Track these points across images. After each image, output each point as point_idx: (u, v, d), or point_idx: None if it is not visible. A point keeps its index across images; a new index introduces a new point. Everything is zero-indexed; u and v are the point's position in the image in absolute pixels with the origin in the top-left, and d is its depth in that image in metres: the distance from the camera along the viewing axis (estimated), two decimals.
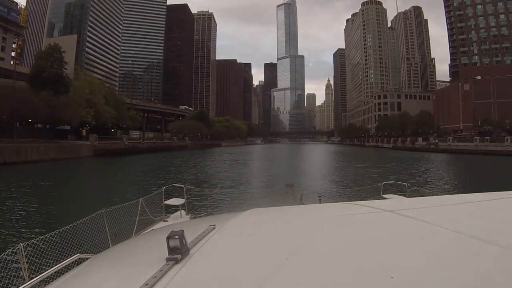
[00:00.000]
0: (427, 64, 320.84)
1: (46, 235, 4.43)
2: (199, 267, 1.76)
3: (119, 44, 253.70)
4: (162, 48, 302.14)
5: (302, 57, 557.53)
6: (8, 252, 3.56)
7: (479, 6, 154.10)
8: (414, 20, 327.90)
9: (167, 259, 1.76)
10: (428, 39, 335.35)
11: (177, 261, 1.75)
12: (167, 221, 6.79)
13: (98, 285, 1.99)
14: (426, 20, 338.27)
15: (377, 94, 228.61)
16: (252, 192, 24.11)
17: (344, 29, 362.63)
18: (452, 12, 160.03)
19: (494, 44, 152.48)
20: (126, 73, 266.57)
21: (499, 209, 2.56)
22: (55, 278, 2.60)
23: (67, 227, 4.84)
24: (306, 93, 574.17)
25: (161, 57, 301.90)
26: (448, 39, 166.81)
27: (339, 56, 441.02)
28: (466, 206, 2.75)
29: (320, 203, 7.28)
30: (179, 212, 7.48)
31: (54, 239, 4.59)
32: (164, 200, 7.64)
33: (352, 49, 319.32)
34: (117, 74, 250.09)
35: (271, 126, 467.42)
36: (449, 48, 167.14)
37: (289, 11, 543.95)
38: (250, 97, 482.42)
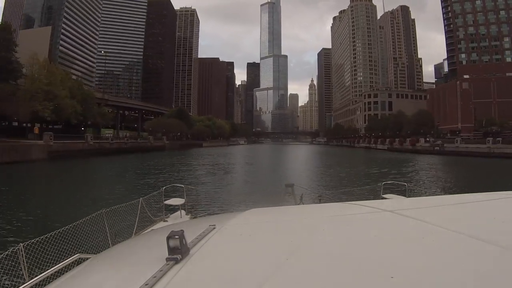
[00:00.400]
0: (414, 64, 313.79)
1: (46, 235, 4.35)
2: (199, 267, 1.75)
3: (97, 38, 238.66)
4: (142, 44, 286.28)
5: (286, 56, 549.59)
6: (8, 252, 3.54)
7: (477, 2, 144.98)
8: (402, 19, 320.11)
9: (167, 259, 1.75)
10: (415, 39, 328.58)
11: (177, 261, 1.74)
12: (167, 221, 6.72)
13: (98, 285, 1.98)
14: (414, 20, 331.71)
15: (366, 93, 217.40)
16: (252, 192, 23.97)
17: (331, 27, 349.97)
18: (449, 7, 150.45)
19: (494, 41, 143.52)
20: (104, 69, 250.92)
21: (499, 209, 2.56)
22: (55, 278, 2.61)
23: (67, 227, 4.82)
24: (288, 94, 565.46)
25: (141, 54, 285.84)
26: (445, 35, 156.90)
27: (324, 56, 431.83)
28: (466, 206, 2.75)
29: (320, 203, 7.17)
30: (179, 212, 7.42)
31: (54, 239, 4.50)
32: (164, 200, 7.57)
33: (339, 47, 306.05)
34: (94, 70, 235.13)
35: (253, 127, 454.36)
36: (446, 44, 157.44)
37: (273, 10, 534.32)
38: (232, 96, 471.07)
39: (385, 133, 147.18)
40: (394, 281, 1.40)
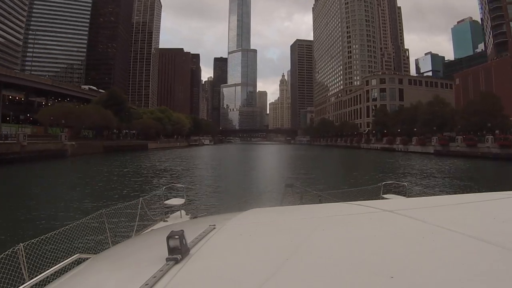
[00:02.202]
0: (401, 55, 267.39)
1: (46, 235, 4.23)
2: (199, 267, 1.71)
3: (25, 9, 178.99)
4: (87, 21, 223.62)
5: (255, 51, 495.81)
6: (8, 252, 3.46)
7: None
8: (387, 6, 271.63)
9: (167, 259, 1.71)
10: (401, 29, 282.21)
11: (177, 261, 1.70)
12: (167, 221, 6.40)
13: (98, 285, 1.94)
14: (400, 8, 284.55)
15: (369, 77, 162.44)
16: (252, 192, 22.57)
17: (313, 8, 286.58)
18: None
19: None
20: (36, 47, 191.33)
21: (499, 209, 2.50)
22: (55, 278, 2.57)
23: (67, 227, 4.70)
24: (257, 90, 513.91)
25: (86, 33, 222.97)
26: None
27: (298, 48, 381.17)
28: (466, 206, 2.67)
29: (320, 203, 6.56)
30: (179, 212, 7.07)
31: (54, 239, 4.40)
32: (164, 200, 7.23)
33: (325, 29, 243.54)
34: (21, 43, 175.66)
35: (220, 125, 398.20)
36: (489, 10, 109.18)
37: (243, 2, 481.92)
38: (198, 91, 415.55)
39: (412, 129, 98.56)
40: (394, 281, 1.37)
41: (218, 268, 1.72)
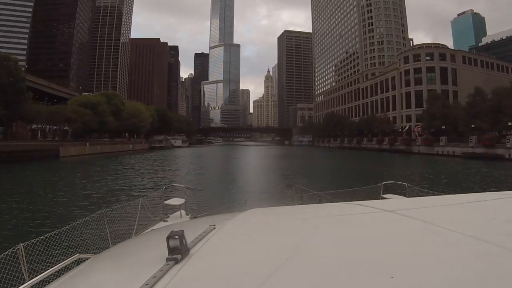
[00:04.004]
0: (406, 45, 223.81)
1: (46, 235, 4.19)
2: (199, 267, 1.67)
3: None
4: None
5: (238, 45, 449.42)
6: (8, 252, 3.42)
7: None
8: None
9: (167, 259, 1.68)
10: (405, 20, 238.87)
11: (177, 261, 1.66)
12: (167, 221, 6.29)
13: (98, 285, 1.89)
14: None
15: (410, 52, 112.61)
16: (252, 192, 21.89)
17: None
18: None
19: None
20: None
21: (499, 209, 2.45)
22: (55, 278, 2.50)
23: (67, 227, 4.64)
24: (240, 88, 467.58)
25: (31, 3, 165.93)
26: None
27: (286, 40, 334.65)
28: (466, 206, 2.61)
29: (320, 203, 6.61)
30: (179, 212, 6.96)
31: (54, 239, 4.33)
32: (164, 200, 7.06)
33: (331, 1, 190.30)
34: None
35: (201, 124, 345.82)
36: None
37: None
38: (176, 87, 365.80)
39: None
40: (394, 281, 1.34)
41: (218, 268, 1.69)
